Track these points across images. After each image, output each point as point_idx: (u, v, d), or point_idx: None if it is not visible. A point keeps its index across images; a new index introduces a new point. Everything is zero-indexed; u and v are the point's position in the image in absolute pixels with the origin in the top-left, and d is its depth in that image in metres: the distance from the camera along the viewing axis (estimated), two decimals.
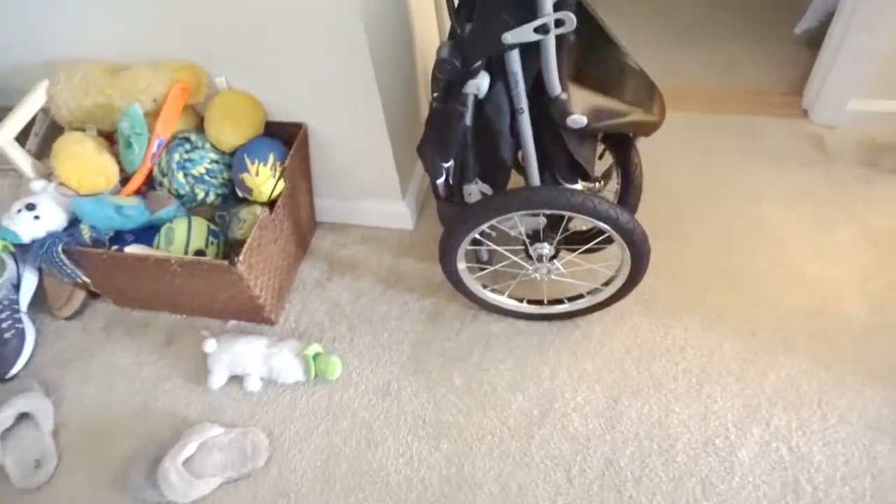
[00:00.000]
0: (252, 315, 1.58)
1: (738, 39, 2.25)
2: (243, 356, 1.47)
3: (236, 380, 1.50)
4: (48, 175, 1.52)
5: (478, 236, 1.35)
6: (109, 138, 1.57)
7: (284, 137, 1.55)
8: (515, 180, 1.34)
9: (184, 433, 1.39)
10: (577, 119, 1.12)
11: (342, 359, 1.52)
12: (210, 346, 1.48)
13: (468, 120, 1.16)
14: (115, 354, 1.61)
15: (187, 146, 1.51)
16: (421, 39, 1.66)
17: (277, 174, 1.49)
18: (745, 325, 1.47)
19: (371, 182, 1.68)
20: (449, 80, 1.13)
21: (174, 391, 1.52)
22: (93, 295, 1.72)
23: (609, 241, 1.32)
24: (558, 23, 0.99)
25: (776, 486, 1.23)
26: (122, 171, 1.54)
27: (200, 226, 1.49)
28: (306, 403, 1.46)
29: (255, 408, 1.47)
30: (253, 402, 1.47)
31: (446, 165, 1.24)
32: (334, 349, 1.55)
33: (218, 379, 1.48)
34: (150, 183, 1.56)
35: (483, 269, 1.56)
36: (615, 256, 1.38)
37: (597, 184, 1.35)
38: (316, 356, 1.48)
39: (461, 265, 1.42)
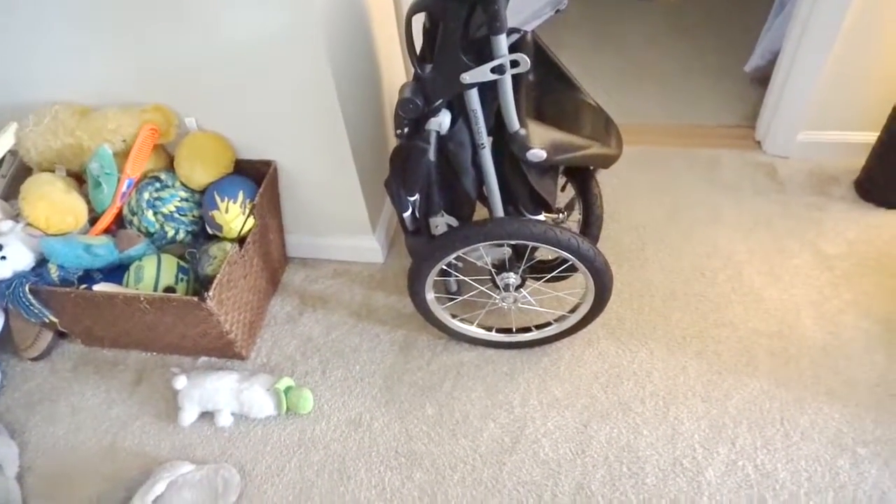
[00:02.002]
0: (223, 351, 1.58)
1: (691, 76, 2.36)
2: (214, 392, 1.46)
3: (207, 416, 1.49)
4: (15, 216, 1.52)
5: (445, 267, 1.38)
6: (79, 178, 1.58)
7: (254, 175, 1.58)
8: (481, 212, 1.38)
9: (153, 471, 1.37)
10: (537, 153, 1.17)
11: (314, 392, 1.52)
12: (180, 382, 1.47)
13: (432, 155, 1.20)
14: (83, 395, 1.59)
15: (157, 185, 1.53)
16: (388, 78, 1.71)
17: (247, 211, 1.51)
18: (708, 347, 1.52)
19: (341, 218, 1.70)
20: (412, 118, 1.17)
21: (144, 430, 1.50)
22: (60, 335, 1.70)
23: (573, 269, 1.36)
24: (514, 63, 1.05)
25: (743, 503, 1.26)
26: (91, 210, 1.55)
27: (170, 263, 1.50)
28: (278, 438, 1.46)
29: (227, 443, 1.46)
30: (224, 438, 1.46)
31: (412, 199, 1.28)
32: (306, 383, 1.55)
33: (188, 415, 1.47)
34: (119, 222, 1.57)
35: (452, 300, 1.58)
36: (580, 284, 1.42)
37: (560, 215, 1.40)
38: (287, 390, 1.48)
39: (430, 296, 1.45)
